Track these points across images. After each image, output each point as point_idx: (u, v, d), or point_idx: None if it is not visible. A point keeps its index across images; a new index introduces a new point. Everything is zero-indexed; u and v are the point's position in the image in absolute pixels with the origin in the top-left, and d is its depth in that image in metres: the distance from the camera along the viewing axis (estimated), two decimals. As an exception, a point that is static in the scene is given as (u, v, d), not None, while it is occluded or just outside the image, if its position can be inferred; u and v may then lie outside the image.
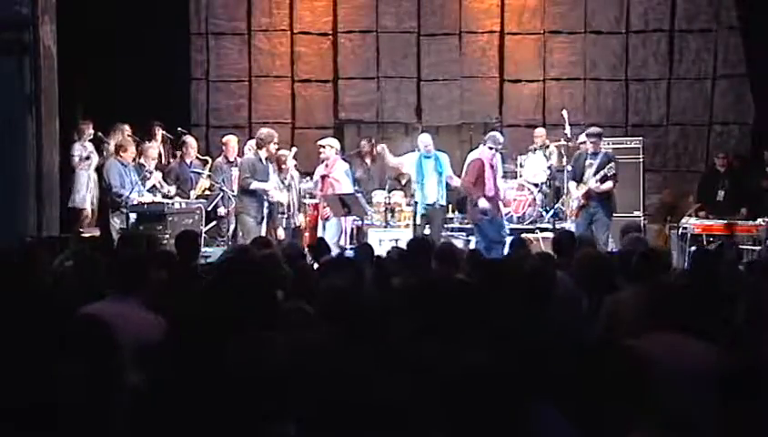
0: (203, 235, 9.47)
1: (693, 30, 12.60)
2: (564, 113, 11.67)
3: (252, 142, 10.19)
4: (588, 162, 9.61)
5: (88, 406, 2.67)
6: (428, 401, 2.53)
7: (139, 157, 10.14)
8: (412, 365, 3.02)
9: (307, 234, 10.46)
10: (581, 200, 9.54)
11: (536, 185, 11.34)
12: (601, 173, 9.41)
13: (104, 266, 4.70)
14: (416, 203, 10.13)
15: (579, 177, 9.69)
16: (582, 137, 10.48)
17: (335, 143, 10.53)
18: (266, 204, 9.66)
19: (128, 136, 10.51)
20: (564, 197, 10.70)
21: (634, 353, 2.57)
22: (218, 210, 10.38)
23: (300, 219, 10.30)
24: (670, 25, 12.62)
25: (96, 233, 9.52)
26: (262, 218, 9.64)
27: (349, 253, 6.48)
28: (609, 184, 9.46)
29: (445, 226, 11.00)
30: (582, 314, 4.94)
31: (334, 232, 10.02)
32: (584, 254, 5.56)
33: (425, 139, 10.34)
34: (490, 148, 9.75)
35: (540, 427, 2.50)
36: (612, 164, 9.51)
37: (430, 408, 2.49)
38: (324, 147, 10.32)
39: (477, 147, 10.05)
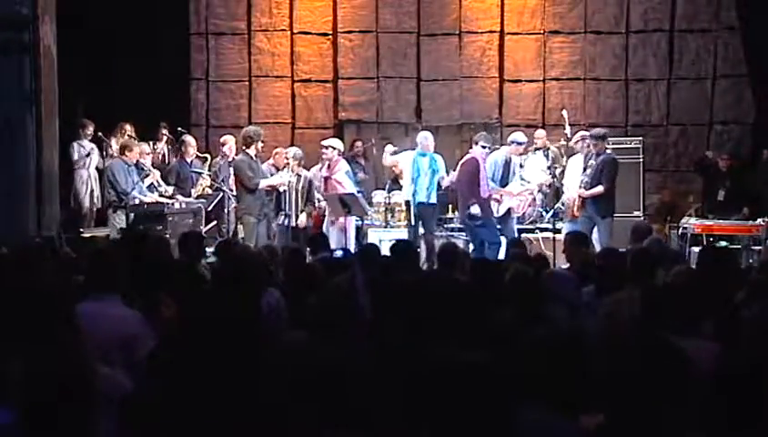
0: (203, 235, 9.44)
1: (693, 30, 12.59)
2: (564, 113, 11.66)
3: (228, 137, 10.22)
4: (590, 163, 9.48)
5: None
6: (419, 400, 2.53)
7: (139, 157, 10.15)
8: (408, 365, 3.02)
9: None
10: (578, 202, 9.47)
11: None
12: (584, 181, 9.35)
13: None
14: (407, 202, 10.07)
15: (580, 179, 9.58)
16: (577, 137, 10.45)
17: (338, 144, 10.50)
18: (266, 201, 9.65)
19: (130, 136, 10.52)
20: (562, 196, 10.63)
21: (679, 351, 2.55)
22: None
23: (302, 220, 10.14)
24: (670, 25, 12.62)
25: (97, 233, 9.52)
26: (264, 217, 9.63)
27: (339, 254, 6.41)
28: (597, 188, 9.30)
29: (445, 226, 11.00)
30: (580, 311, 4.95)
31: (336, 235, 9.98)
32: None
33: (427, 136, 10.25)
34: (483, 147, 9.70)
35: (526, 427, 2.50)
36: (592, 172, 9.33)
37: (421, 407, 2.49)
38: (327, 148, 10.30)
39: (470, 151, 9.91)
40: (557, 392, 2.64)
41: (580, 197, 9.40)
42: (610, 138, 10.62)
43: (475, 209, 9.40)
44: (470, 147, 10.10)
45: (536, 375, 2.67)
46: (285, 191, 9.86)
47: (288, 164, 10.03)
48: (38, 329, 3.17)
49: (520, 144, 9.95)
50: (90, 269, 4.36)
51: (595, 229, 9.38)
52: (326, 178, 10.24)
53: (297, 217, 9.97)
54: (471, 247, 9.72)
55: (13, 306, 3.45)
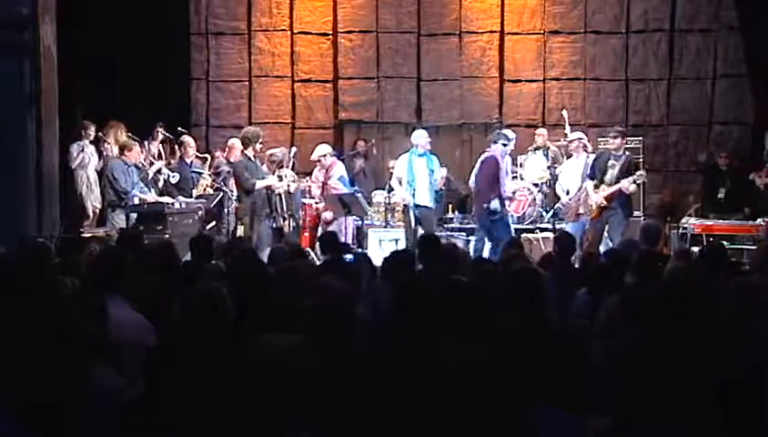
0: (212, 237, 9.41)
1: (693, 30, 12.59)
2: (564, 113, 11.67)
3: (235, 141, 10.24)
4: (611, 162, 9.40)
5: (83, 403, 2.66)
6: (434, 401, 2.53)
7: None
8: (413, 366, 3.02)
9: (307, 234, 10.45)
10: (603, 202, 9.30)
11: (536, 185, 11.33)
12: (633, 178, 9.21)
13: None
14: (405, 206, 10.03)
15: (600, 178, 9.43)
16: (572, 137, 10.47)
17: (328, 149, 10.58)
18: (266, 202, 9.64)
19: (129, 135, 10.52)
20: (567, 195, 10.54)
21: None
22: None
23: (290, 224, 10.10)
24: (670, 25, 12.61)
25: (97, 233, 9.52)
26: (265, 217, 9.63)
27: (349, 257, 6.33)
28: (634, 186, 9.34)
29: (445, 226, 11.00)
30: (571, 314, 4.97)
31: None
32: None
33: (422, 135, 10.17)
34: (504, 145, 9.65)
35: (540, 426, 2.51)
36: (642, 173, 9.38)
37: (437, 407, 2.49)
38: (319, 158, 10.38)
39: (489, 149, 9.72)
40: (558, 393, 2.65)
41: (612, 194, 9.28)
42: (609, 138, 10.64)
43: (494, 204, 9.33)
44: (480, 151, 9.99)
45: (537, 375, 2.68)
46: (273, 193, 9.85)
47: (287, 165, 10.06)
48: (42, 329, 3.17)
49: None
50: (91, 270, 4.34)
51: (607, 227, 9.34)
52: (323, 183, 10.32)
53: (283, 219, 9.95)
54: (472, 246, 9.70)
55: (18, 306, 3.45)
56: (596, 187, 9.40)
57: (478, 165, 9.75)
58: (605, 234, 9.34)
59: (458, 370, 2.47)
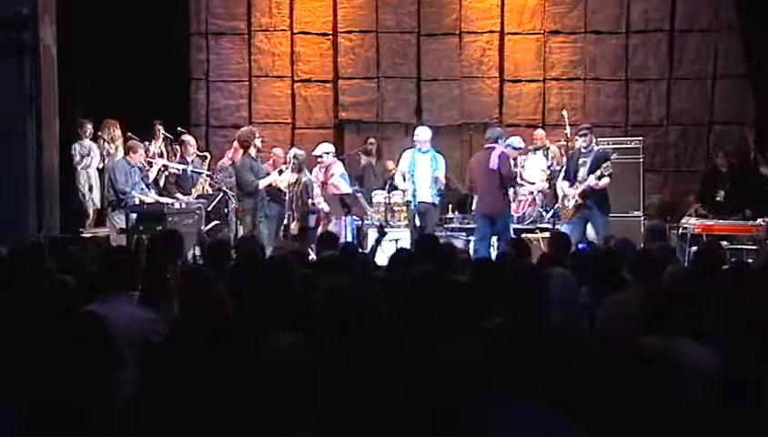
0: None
1: (693, 30, 12.59)
2: (564, 113, 11.65)
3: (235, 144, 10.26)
4: (581, 160, 9.46)
5: (88, 403, 2.66)
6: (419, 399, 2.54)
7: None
8: (409, 364, 3.02)
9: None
10: (578, 199, 9.36)
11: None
12: (598, 172, 9.27)
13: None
14: (409, 202, 10.06)
15: (573, 176, 9.49)
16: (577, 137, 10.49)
17: (330, 148, 10.59)
18: (266, 202, 9.65)
19: (130, 135, 10.54)
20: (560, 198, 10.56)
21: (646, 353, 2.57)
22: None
23: (293, 227, 10.03)
24: (670, 25, 12.62)
25: (97, 233, 9.53)
26: (265, 217, 9.65)
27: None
28: (605, 181, 9.27)
29: (445, 226, 10.99)
30: (579, 312, 4.96)
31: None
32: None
33: (421, 133, 10.15)
34: (508, 146, 9.75)
35: (532, 428, 2.51)
36: (608, 163, 9.28)
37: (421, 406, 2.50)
38: (320, 156, 10.39)
39: (493, 148, 9.55)
40: (553, 391, 2.65)
41: (584, 191, 9.28)
42: (610, 138, 10.66)
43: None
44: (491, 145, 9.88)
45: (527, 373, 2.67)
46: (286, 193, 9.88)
47: (288, 163, 10.05)
48: (42, 329, 3.18)
49: (515, 149, 9.98)
50: (98, 270, 4.35)
51: (589, 227, 9.34)
52: (323, 183, 10.33)
53: (293, 219, 9.99)
54: (473, 245, 9.68)
55: (16, 306, 3.45)
56: (570, 186, 9.48)
57: (494, 159, 9.44)
58: (587, 234, 9.35)
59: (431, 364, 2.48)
